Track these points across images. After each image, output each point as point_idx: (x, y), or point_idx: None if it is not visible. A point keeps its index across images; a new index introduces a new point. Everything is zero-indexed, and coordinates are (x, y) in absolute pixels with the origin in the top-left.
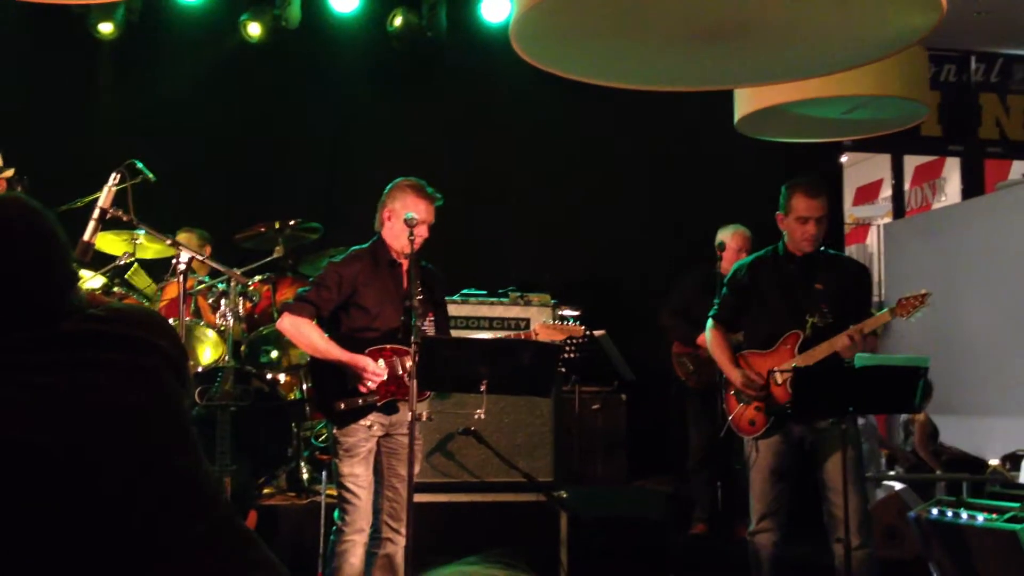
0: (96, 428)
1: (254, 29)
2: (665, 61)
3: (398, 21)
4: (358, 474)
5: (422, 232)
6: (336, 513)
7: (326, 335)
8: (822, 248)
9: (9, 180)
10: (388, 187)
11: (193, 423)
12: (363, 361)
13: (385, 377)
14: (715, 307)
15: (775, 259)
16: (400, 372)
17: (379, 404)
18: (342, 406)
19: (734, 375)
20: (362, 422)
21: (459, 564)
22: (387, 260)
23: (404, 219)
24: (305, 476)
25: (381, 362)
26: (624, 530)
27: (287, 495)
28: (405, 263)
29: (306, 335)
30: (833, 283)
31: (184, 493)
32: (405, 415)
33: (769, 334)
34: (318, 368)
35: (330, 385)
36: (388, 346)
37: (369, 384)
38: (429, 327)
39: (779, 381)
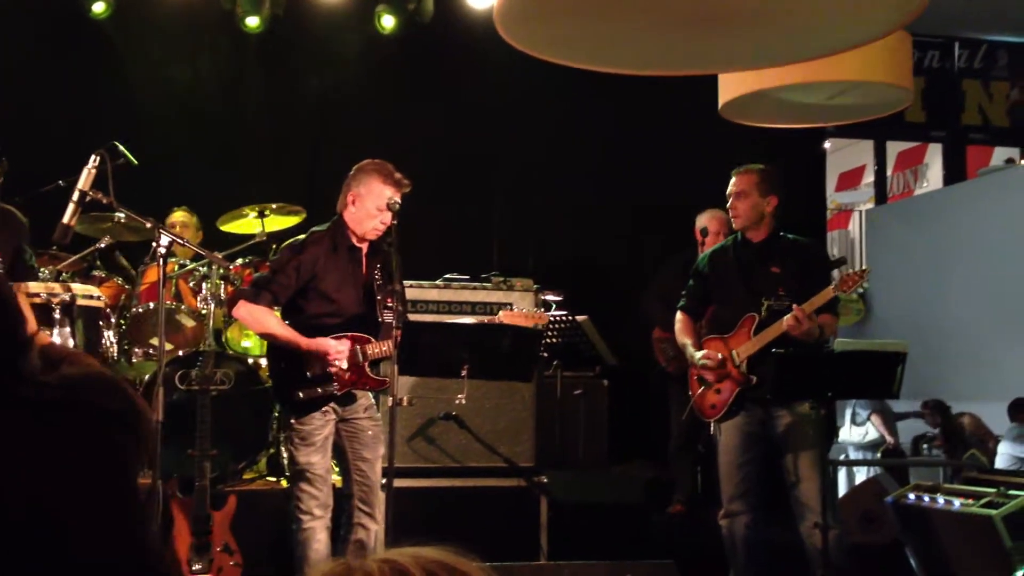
0: (42, 497)
1: (252, 21)
2: (649, 46)
3: (388, 22)
4: (315, 462)
5: (387, 219)
6: (292, 503)
7: (285, 322)
8: (782, 233)
9: None
10: (354, 169)
11: (176, 410)
12: (324, 344)
13: (346, 364)
14: (683, 298)
15: (734, 247)
16: (361, 361)
17: (339, 393)
18: (301, 396)
19: (694, 357)
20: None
21: (411, 548)
22: (347, 244)
23: (387, 205)
24: (285, 460)
25: (345, 342)
26: (605, 514)
27: (267, 479)
28: (364, 247)
29: (264, 323)
30: (790, 266)
31: (129, 562)
32: (362, 400)
33: (728, 319)
34: (275, 356)
35: (288, 373)
36: (348, 334)
37: (337, 364)
38: (388, 313)
39: (737, 363)
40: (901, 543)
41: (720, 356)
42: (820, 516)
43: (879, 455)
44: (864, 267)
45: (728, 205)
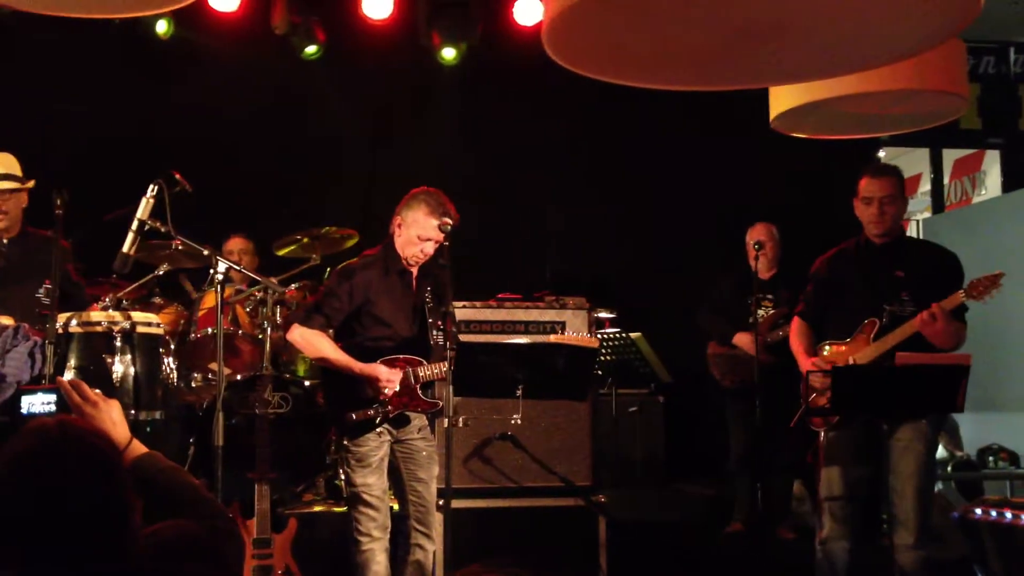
0: None
1: (310, 48)
2: (699, 61)
3: (449, 54)
4: (371, 483)
5: (428, 250)
6: (351, 525)
7: (337, 345)
8: (907, 234)
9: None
10: (407, 195)
11: (235, 433)
12: (376, 370)
13: (398, 387)
14: (801, 303)
15: (856, 249)
16: (413, 383)
17: (391, 415)
18: (354, 417)
19: (804, 364)
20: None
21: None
22: (397, 268)
23: (438, 227)
24: (343, 483)
25: (397, 372)
26: (663, 533)
27: (326, 502)
28: (415, 270)
29: (317, 346)
30: (915, 270)
31: None
32: (416, 421)
33: (849, 323)
34: (329, 379)
35: (341, 396)
36: (401, 356)
37: (386, 391)
38: (439, 335)
39: (820, 378)
40: (969, 559)
41: (832, 363)
42: (914, 533)
43: (949, 469)
44: (997, 271)
45: (869, 208)
